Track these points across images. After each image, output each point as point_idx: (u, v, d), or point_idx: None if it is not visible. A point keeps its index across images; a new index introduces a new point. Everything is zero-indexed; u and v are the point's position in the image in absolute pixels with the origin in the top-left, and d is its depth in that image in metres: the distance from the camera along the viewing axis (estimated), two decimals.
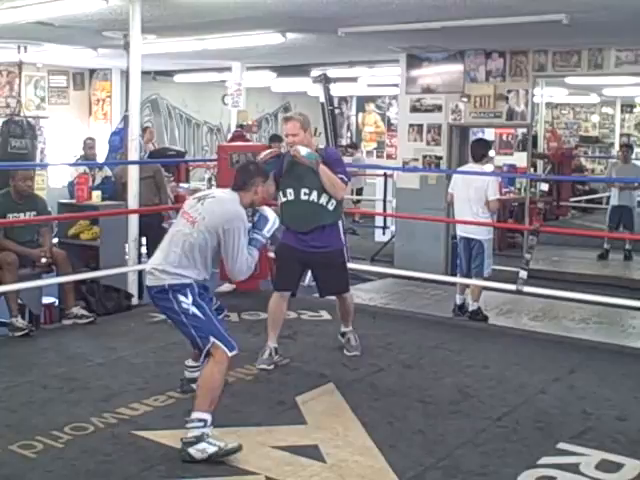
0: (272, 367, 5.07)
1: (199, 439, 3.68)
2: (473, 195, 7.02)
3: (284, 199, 5.17)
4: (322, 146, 5.57)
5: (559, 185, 13.81)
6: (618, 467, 3.71)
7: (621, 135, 17.32)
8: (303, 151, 5.00)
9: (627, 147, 11.69)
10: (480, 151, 7.33)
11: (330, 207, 5.11)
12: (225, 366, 3.84)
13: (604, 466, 3.71)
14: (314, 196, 5.07)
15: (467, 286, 7.29)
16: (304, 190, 5.06)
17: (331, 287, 5.36)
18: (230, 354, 3.85)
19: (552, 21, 6.93)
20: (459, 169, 8.35)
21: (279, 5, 6.81)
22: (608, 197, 13.29)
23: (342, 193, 5.17)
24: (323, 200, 5.08)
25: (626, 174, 10.66)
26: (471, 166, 7.41)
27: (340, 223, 5.48)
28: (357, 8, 6.88)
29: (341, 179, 5.08)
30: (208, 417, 3.72)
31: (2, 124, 9.48)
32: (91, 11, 7.10)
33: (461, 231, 7.27)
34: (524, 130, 11.34)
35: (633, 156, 16.10)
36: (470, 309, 7.15)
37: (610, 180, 11.43)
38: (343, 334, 5.57)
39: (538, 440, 4.01)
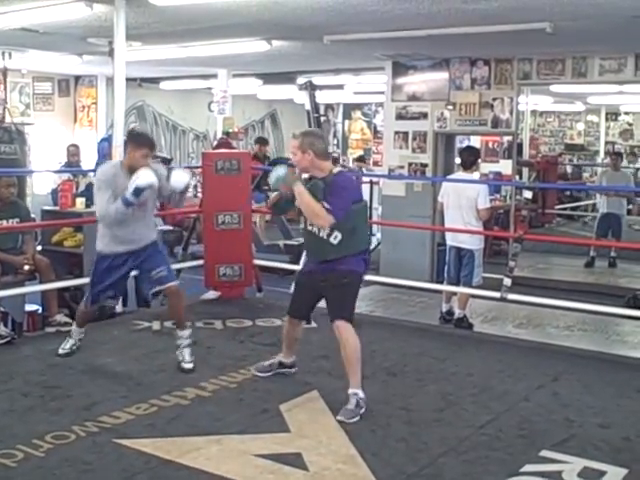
0: (267, 375, 5.06)
1: None
2: (465, 204, 7.02)
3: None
4: (337, 170, 4.64)
5: (544, 193, 13.87)
6: (601, 475, 3.71)
7: (606, 143, 17.45)
8: (271, 180, 4.67)
9: (617, 155, 11.78)
10: (470, 159, 7.32)
11: (333, 241, 4.45)
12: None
13: (587, 474, 3.71)
14: (315, 228, 4.55)
15: (454, 294, 7.30)
16: (309, 220, 4.62)
17: (328, 307, 4.66)
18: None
19: (536, 29, 6.97)
20: (449, 177, 8.36)
21: (265, 13, 6.82)
22: (594, 204, 13.41)
23: (322, 223, 4.43)
24: (323, 233, 4.48)
25: (616, 182, 10.74)
26: (460, 174, 7.43)
27: (356, 256, 4.55)
28: (343, 16, 6.90)
29: (326, 209, 4.36)
30: None
31: None
32: (76, 17, 7.08)
33: (452, 240, 7.26)
34: (509, 138, 11.40)
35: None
36: (456, 317, 7.17)
37: (601, 188, 11.49)
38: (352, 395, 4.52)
39: (521, 448, 4.01)
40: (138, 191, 4.76)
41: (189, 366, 5.11)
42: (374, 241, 11.20)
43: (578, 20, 6.74)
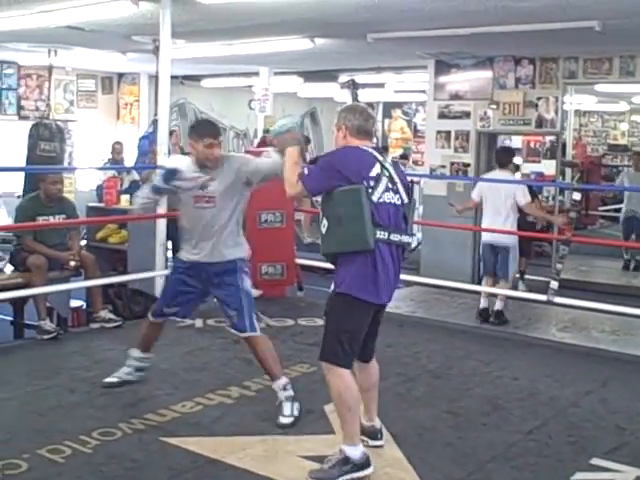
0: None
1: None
2: (503, 201, 7.07)
3: None
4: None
5: (587, 194, 13.65)
6: None
7: None
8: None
9: (638, 155, 11.55)
10: (506, 158, 7.47)
11: (322, 229, 3.55)
12: None
13: None
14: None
15: (493, 295, 7.29)
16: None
17: None
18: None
19: (584, 28, 6.86)
20: (486, 176, 8.29)
21: (309, 11, 6.79)
22: None
23: (289, 190, 3.67)
24: (322, 222, 3.56)
25: (638, 182, 10.56)
26: (497, 173, 7.43)
27: (354, 258, 3.48)
28: (387, 14, 6.85)
29: (300, 174, 3.59)
30: None
31: (32, 127, 9.58)
32: (121, 15, 7.13)
33: (487, 237, 7.28)
34: (552, 138, 11.24)
35: None
36: (496, 308, 7.21)
37: (624, 189, 11.36)
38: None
39: (571, 455, 3.94)
40: (165, 175, 4.26)
41: (284, 421, 4.24)
42: (415, 241, 11.16)
43: (627, 18, 6.61)
